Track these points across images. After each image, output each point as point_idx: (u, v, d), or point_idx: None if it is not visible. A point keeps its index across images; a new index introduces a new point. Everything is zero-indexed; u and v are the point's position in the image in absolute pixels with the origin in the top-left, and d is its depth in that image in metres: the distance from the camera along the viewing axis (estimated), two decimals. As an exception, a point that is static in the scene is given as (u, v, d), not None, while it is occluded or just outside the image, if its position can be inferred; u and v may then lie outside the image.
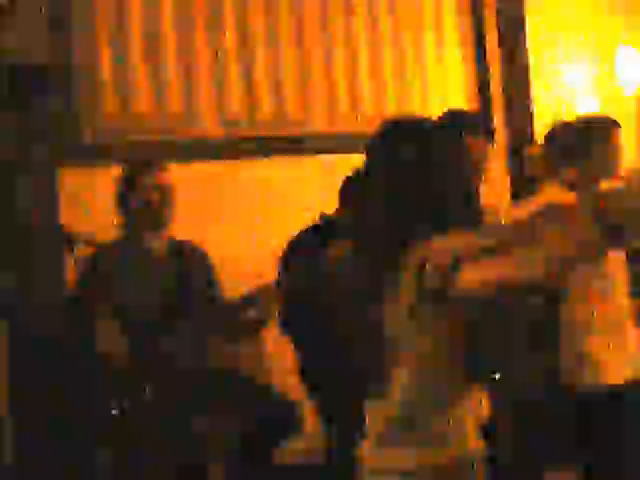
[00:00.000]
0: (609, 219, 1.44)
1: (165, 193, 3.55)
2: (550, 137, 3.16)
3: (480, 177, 2.81)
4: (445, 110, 3.18)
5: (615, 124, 3.11)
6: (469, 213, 1.78)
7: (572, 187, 3.02)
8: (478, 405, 1.80)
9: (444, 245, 1.63)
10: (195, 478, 3.48)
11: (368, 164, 1.84)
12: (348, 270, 1.88)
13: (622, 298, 3.08)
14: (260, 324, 3.59)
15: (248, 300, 3.49)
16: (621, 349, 3.04)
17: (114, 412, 3.24)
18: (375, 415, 1.80)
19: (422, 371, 1.73)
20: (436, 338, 1.72)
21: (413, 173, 1.76)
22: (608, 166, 3.05)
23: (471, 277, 1.58)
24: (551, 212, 1.61)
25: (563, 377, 3.04)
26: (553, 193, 3.04)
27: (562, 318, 3.05)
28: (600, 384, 2.99)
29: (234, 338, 3.79)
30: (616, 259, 3.06)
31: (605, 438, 3.04)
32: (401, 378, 1.74)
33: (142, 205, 3.55)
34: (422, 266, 1.64)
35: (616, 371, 3.01)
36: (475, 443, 1.76)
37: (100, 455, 3.35)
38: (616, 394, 2.99)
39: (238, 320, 3.57)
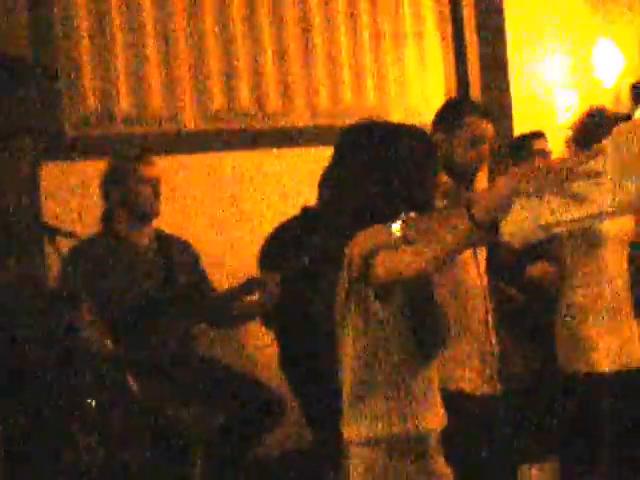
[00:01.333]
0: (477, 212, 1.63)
1: (150, 186, 3.55)
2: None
3: (484, 158, 2.81)
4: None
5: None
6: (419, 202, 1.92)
7: None
8: (434, 381, 1.89)
9: (362, 237, 1.78)
10: (177, 467, 3.49)
11: (338, 158, 1.98)
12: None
13: (620, 283, 3.11)
14: (263, 307, 3.60)
15: (252, 284, 3.50)
16: (617, 334, 3.06)
17: (91, 402, 3.25)
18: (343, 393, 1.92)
19: (364, 353, 1.84)
20: (377, 323, 1.83)
21: (375, 170, 1.91)
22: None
23: (381, 266, 1.73)
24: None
25: (558, 361, 3.08)
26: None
27: (558, 303, 3.09)
28: (594, 369, 3.02)
29: (230, 324, 3.80)
30: (615, 245, 3.10)
31: (591, 422, 3.08)
32: (346, 359, 1.87)
33: (126, 198, 3.55)
34: (349, 256, 1.80)
35: (611, 356, 3.03)
36: (429, 419, 1.85)
37: (85, 445, 3.36)
38: (608, 379, 3.02)
39: (238, 304, 3.58)
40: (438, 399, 1.90)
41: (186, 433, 3.47)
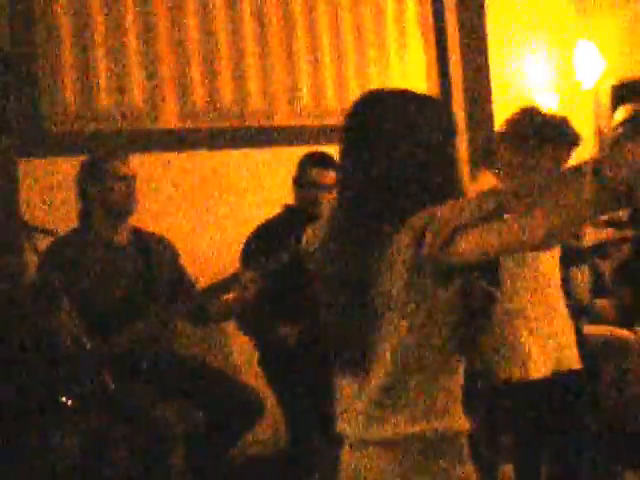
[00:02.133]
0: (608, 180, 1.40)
1: (126, 183, 3.54)
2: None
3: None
4: None
5: (577, 139, 3.08)
6: (455, 186, 1.77)
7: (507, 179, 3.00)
8: (460, 379, 1.78)
9: (441, 212, 1.59)
10: (156, 466, 3.48)
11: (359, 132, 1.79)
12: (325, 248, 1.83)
13: (553, 287, 3.08)
14: (240, 305, 3.58)
15: (229, 282, 3.49)
16: (552, 339, 3.03)
17: (66, 400, 3.23)
18: (354, 388, 1.76)
19: (411, 342, 1.69)
20: (433, 307, 1.69)
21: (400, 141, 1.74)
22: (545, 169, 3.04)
23: (470, 243, 1.57)
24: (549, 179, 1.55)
25: (488, 366, 3.04)
26: (487, 181, 3.04)
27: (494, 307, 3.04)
28: (523, 375, 2.98)
29: (209, 322, 3.79)
30: (547, 250, 3.07)
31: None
32: (386, 348, 1.70)
33: (102, 196, 3.54)
34: (420, 234, 1.61)
35: (542, 361, 3.00)
36: (460, 417, 1.75)
37: (66, 443, 3.34)
38: (542, 385, 3.00)
39: (216, 302, 3.57)
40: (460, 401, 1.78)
41: (165, 432, 3.46)
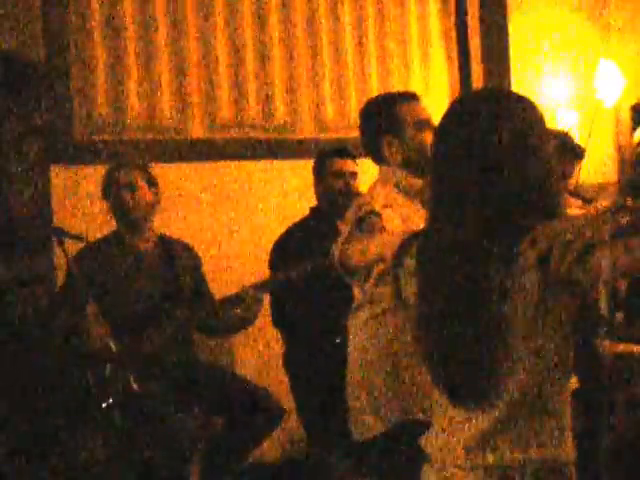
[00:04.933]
0: None
1: (131, 193, 3.60)
2: None
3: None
4: None
5: (578, 153, 3.06)
6: (552, 195, 1.64)
7: None
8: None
9: (571, 228, 1.47)
10: (176, 470, 3.52)
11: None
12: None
13: None
14: (245, 323, 3.65)
15: (235, 299, 3.55)
16: None
17: (104, 405, 3.29)
18: (461, 414, 1.64)
19: (539, 370, 1.59)
20: (566, 329, 1.59)
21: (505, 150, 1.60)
22: None
23: (606, 261, 1.45)
24: None
25: None
26: None
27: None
28: None
29: (220, 333, 3.85)
30: None
31: None
32: (511, 379, 1.58)
33: (114, 205, 3.63)
34: (547, 252, 1.48)
35: None
36: (569, 446, 1.65)
37: (90, 447, 3.39)
38: None
39: (225, 317, 3.62)
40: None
41: (185, 436, 3.50)
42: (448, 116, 1.71)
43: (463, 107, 1.70)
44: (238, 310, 3.56)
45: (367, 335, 2.63)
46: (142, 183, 3.61)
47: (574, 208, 3.91)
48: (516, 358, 1.56)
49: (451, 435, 1.65)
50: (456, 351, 1.60)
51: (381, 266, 2.37)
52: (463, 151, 1.62)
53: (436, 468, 1.67)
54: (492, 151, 1.60)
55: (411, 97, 2.76)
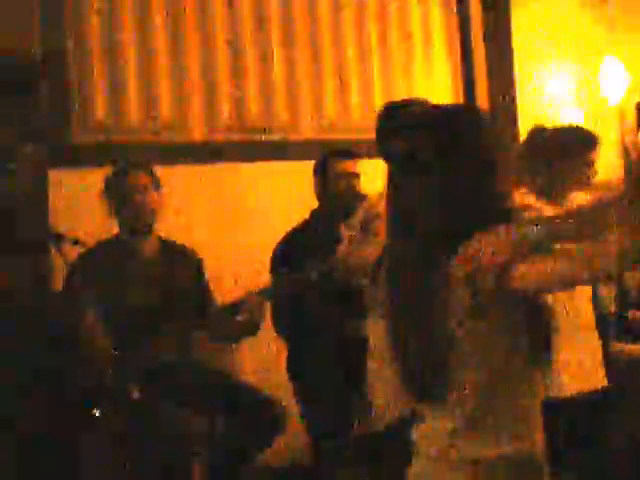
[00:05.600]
0: None
1: (140, 196, 3.57)
2: (525, 141, 3.18)
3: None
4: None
5: (590, 141, 3.08)
6: (506, 208, 1.72)
7: (540, 194, 3.01)
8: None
9: (491, 243, 1.57)
10: (177, 475, 3.49)
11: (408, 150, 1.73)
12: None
13: (587, 302, 3.04)
14: (248, 329, 3.61)
15: (238, 306, 3.52)
16: (583, 355, 2.99)
17: (96, 413, 3.25)
18: (435, 410, 1.73)
19: (492, 367, 1.68)
20: (499, 335, 1.67)
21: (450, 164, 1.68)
22: (573, 178, 3.02)
23: (526, 274, 1.54)
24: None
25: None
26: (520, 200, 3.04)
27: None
28: (554, 393, 2.96)
29: (223, 340, 3.82)
30: None
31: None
32: (467, 377, 1.68)
33: (119, 209, 3.58)
34: (474, 267, 1.59)
35: (570, 380, 2.96)
36: (541, 439, 1.74)
37: (90, 453, 3.36)
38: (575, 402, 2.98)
39: (228, 323, 3.59)
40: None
41: (187, 442, 3.47)
42: (400, 133, 1.79)
43: (407, 123, 1.79)
44: (241, 317, 3.53)
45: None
46: (150, 185, 3.58)
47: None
48: (462, 364, 1.67)
49: (428, 428, 1.74)
50: (412, 358, 1.72)
51: None
52: (412, 165, 1.71)
53: (418, 457, 1.76)
54: (439, 165, 1.68)
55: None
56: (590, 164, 3.03)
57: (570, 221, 1.57)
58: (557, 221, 1.58)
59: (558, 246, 1.56)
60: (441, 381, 1.69)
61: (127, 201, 3.55)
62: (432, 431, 1.73)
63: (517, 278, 1.55)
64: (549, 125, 3.15)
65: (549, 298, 2.93)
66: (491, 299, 1.61)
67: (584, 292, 3.02)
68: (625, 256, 1.46)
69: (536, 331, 1.69)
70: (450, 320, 1.66)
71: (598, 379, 3.01)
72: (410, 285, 1.69)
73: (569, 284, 1.61)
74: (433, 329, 1.67)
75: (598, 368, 3.02)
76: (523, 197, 2.94)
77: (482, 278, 1.57)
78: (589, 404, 2.98)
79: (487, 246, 1.57)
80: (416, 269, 1.68)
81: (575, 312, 2.98)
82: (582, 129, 3.11)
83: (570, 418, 2.98)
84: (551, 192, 2.99)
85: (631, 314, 4.12)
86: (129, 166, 3.65)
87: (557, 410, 2.95)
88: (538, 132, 3.11)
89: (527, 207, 2.69)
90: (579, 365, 2.96)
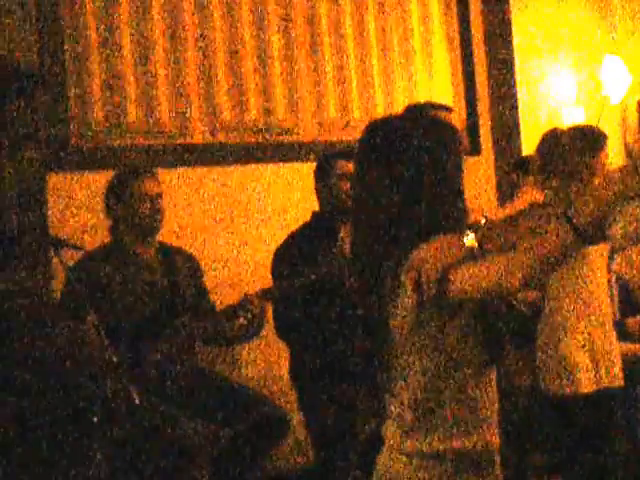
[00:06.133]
0: (578, 220, 1.53)
1: (151, 203, 3.54)
2: (539, 144, 3.18)
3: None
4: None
5: (601, 139, 3.09)
6: (456, 213, 1.77)
7: (555, 196, 3.02)
8: (495, 396, 1.81)
9: (431, 252, 1.65)
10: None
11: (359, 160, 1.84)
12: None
13: (602, 299, 3.05)
14: (250, 331, 3.59)
15: (239, 308, 3.49)
16: (599, 352, 3.01)
17: (94, 419, 3.23)
18: (390, 401, 1.82)
19: (441, 365, 1.73)
20: (446, 335, 1.72)
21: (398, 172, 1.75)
22: (588, 178, 3.03)
23: (461, 283, 1.63)
24: (528, 213, 1.67)
25: (540, 380, 3.03)
26: (530, 198, 3.05)
27: (540, 319, 3.04)
28: (573, 389, 2.96)
29: (224, 344, 3.79)
30: (595, 261, 3.05)
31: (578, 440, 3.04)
32: (415, 367, 1.75)
33: (128, 214, 3.55)
34: (417, 276, 1.66)
35: (591, 376, 2.97)
36: (494, 434, 1.78)
37: (92, 456, 3.34)
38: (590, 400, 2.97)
39: (229, 326, 3.56)
40: (495, 416, 1.81)
41: (190, 448, 3.45)
42: (363, 139, 1.83)
43: (375, 129, 1.82)
44: (242, 319, 3.50)
45: None
46: (156, 191, 3.55)
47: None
48: (405, 368, 1.75)
49: (391, 423, 1.81)
50: (373, 350, 1.81)
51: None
52: (374, 171, 1.77)
53: (385, 451, 1.82)
54: (397, 170, 1.74)
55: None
56: (603, 163, 3.03)
57: (505, 231, 1.67)
58: (495, 230, 1.67)
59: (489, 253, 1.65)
60: (391, 371, 1.77)
61: (140, 207, 3.52)
62: (391, 423, 1.80)
63: (454, 284, 1.63)
64: (562, 126, 3.15)
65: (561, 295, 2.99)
66: (437, 305, 1.67)
67: (601, 290, 3.02)
68: (527, 270, 1.57)
69: (489, 330, 1.74)
70: (398, 323, 1.73)
71: (614, 377, 3.00)
72: (362, 288, 1.79)
73: (499, 291, 1.63)
74: (380, 333, 1.75)
75: (614, 366, 3.01)
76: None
77: (426, 285, 1.64)
78: (604, 401, 2.98)
79: (424, 256, 1.65)
80: (367, 273, 1.77)
81: (591, 311, 2.98)
82: (593, 128, 3.12)
83: (584, 415, 2.98)
84: (566, 192, 2.99)
85: (630, 320, 4.10)
86: (139, 172, 3.61)
87: (571, 406, 2.96)
88: (552, 133, 3.11)
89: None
90: (594, 362, 2.97)
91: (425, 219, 1.72)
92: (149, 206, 3.53)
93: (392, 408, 1.81)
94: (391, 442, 1.79)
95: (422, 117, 1.88)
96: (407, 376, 1.75)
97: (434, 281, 1.63)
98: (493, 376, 1.79)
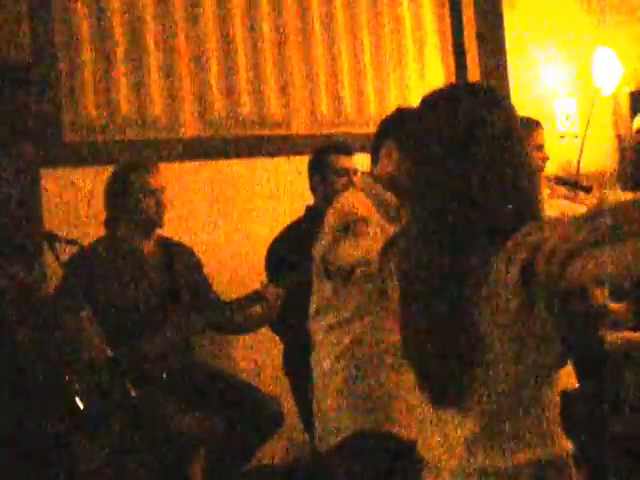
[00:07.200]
0: None
1: (155, 198, 3.54)
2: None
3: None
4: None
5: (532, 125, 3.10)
6: (534, 194, 1.63)
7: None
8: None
9: (550, 235, 1.44)
10: (177, 475, 3.48)
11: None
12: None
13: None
14: (265, 319, 3.60)
15: (256, 296, 3.50)
16: None
17: (79, 402, 3.23)
18: (452, 418, 1.63)
19: (520, 369, 1.58)
20: (545, 333, 1.57)
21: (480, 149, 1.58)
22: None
23: (590, 267, 1.41)
24: None
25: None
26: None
27: None
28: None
29: (235, 332, 3.79)
30: None
31: None
32: (491, 378, 1.58)
33: (131, 209, 3.54)
34: (529, 259, 1.47)
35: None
36: (565, 440, 1.64)
37: (88, 449, 3.35)
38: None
39: (244, 314, 3.58)
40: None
41: (185, 441, 3.46)
42: (424, 113, 1.66)
43: (438, 104, 1.65)
44: (259, 308, 3.52)
45: (329, 342, 2.66)
46: (160, 185, 3.55)
47: (560, 197, 3.87)
48: (491, 365, 1.57)
49: (443, 439, 1.64)
50: (434, 354, 1.61)
51: (364, 268, 2.47)
52: (438, 148, 1.60)
53: (432, 473, 1.66)
54: (466, 146, 1.58)
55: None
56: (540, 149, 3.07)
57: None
58: (615, 214, 1.44)
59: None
60: (466, 382, 1.58)
61: (145, 201, 3.51)
62: (449, 440, 1.62)
63: (581, 269, 1.41)
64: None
65: None
66: (548, 291, 1.50)
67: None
68: None
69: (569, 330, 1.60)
70: (486, 317, 1.55)
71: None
72: (433, 281, 1.59)
73: (628, 275, 1.42)
74: (462, 326, 1.56)
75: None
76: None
77: (544, 272, 1.43)
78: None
79: (546, 238, 1.44)
80: (442, 266, 1.58)
81: None
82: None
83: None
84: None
85: (614, 306, 4.11)
86: (143, 166, 3.61)
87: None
88: None
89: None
90: None
91: (508, 201, 1.57)
92: (152, 201, 3.53)
93: (444, 419, 1.64)
94: (450, 463, 1.62)
95: (487, 95, 1.65)
96: (488, 379, 1.57)
97: (557, 264, 1.41)
98: (558, 381, 1.66)
